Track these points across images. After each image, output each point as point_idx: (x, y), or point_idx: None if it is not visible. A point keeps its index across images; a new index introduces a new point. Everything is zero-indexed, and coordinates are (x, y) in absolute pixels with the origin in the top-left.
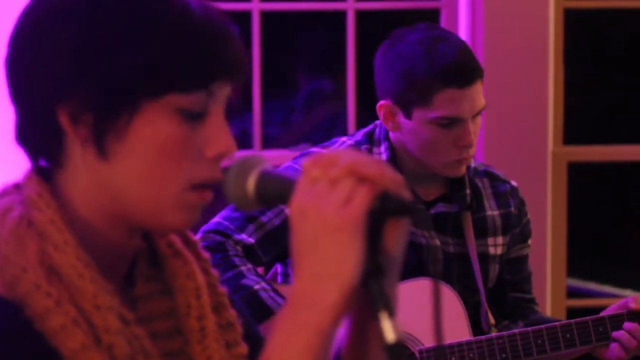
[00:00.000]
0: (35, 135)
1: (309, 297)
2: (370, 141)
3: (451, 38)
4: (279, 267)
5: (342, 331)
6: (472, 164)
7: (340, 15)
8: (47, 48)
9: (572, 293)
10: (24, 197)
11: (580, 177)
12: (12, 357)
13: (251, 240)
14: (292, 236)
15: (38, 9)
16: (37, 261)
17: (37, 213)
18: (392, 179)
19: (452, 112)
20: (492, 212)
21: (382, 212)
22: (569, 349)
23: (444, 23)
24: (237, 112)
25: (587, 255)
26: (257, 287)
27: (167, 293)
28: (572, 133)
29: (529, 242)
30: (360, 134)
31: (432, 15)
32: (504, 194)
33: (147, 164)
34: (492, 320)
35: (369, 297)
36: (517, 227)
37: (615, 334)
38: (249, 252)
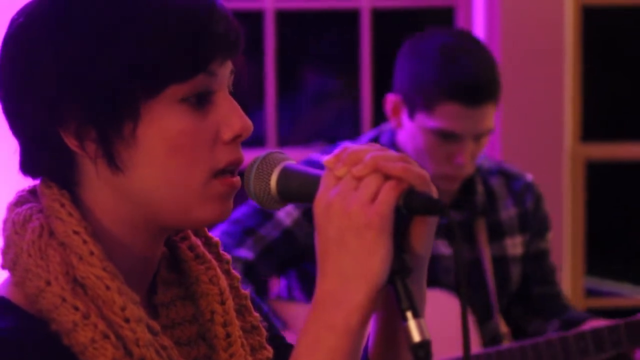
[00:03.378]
0: (43, 162)
1: (335, 296)
2: None
3: (479, 54)
4: (282, 281)
5: (370, 331)
6: (485, 165)
7: (346, 16)
8: (33, 73)
9: (590, 292)
10: (44, 206)
11: (598, 175)
12: None
13: (251, 255)
14: (317, 235)
15: (15, 37)
16: (62, 273)
17: (59, 223)
18: (418, 176)
19: (451, 127)
20: (507, 212)
21: (408, 210)
22: (584, 358)
23: (460, 21)
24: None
25: (606, 253)
26: None
27: (189, 299)
28: (591, 130)
29: (547, 236)
30: (363, 140)
31: (448, 14)
32: (520, 191)
33: (164, 165)
34: (504, 329)
35: (395, 295)
36: (534, 223)
37: None
38: (250, 270)
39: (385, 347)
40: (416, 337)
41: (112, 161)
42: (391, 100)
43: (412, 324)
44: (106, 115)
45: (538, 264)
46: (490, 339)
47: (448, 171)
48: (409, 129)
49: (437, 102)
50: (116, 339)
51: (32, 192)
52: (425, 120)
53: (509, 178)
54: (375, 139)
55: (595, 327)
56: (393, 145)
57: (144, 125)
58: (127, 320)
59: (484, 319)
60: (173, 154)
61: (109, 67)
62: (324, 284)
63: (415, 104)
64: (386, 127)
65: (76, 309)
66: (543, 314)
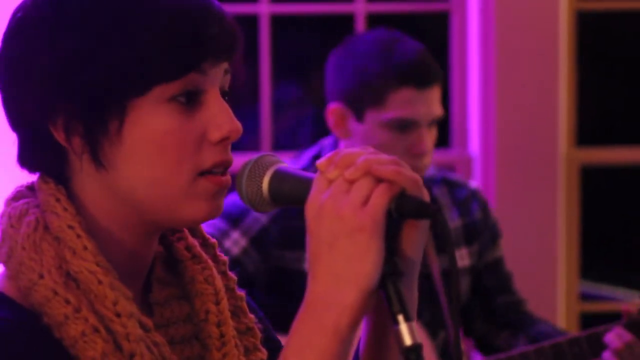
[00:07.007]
0: (36, 155)
1: (326, 298)
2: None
3: (410, 40)
4: None
5: (361, 334)
6: (428, 173)
7: (341, 20)
8: (28, 68)
9: (585, 296)
10: (40, 201)
11: (593, 180)
12: None
13: None
14: (309, 238)
15: (13, 31)
16: (55, 267)
17: (54, 217)
18: (410, 179)
19: (407, 114)
20: (453, 223)
21: (399, 213)
22: None
23: (454, 25)
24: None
25: (601, 258)
26: None
27: (185, 298)
28: (586, 135)
29: (499, 243)
30: (305, 158)
31: (443, 18)
32: (465, 200)
33: (149, 164)
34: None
35: (386, 299)
36: (484, 231)
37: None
38: None
39: (376, 351)
40: (408, 340)
41: (96, 158)
42: (333, 109)
43: (403, 327)
44: (93, 112)
45: (495, 273)
46: (442, 353)
47: (410, 164)
48: (360, 133)
49: (388, 91)
50: (106, 333)
51: (30, 188)
52: (377, 116)
53: (452, 186)
54: (318, 156)
55: (556, 341)
56: None
57: (130, 124)
58: (118, 315)
59: (434, 332)
60: (158, 154)
61: (96, 65)
62: (315, 286)
63: (363, 103)
64: (326, 141)
65: (67, 302)
66: (510, 326)
